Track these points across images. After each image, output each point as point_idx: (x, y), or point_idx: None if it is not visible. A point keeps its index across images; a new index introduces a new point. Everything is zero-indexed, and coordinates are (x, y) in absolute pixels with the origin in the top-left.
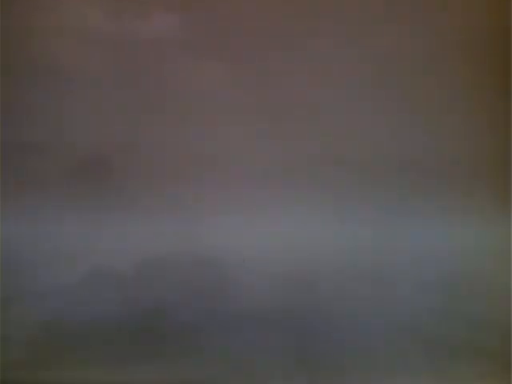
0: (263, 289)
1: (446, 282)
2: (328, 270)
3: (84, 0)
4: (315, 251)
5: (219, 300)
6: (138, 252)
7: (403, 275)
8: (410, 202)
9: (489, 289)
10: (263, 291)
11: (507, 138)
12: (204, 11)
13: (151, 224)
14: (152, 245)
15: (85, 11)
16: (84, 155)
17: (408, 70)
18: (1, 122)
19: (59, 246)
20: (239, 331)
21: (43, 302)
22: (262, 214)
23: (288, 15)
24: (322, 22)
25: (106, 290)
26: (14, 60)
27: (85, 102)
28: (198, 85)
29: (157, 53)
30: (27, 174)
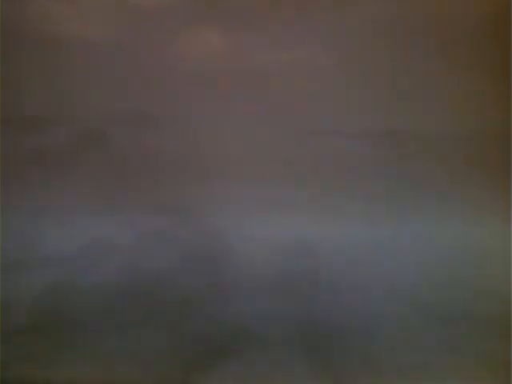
0: (263, 256)
1: (445, 252)
2: (328, 236)
3: None
4: (315, 217)
5: (219, 267)
6: (138, 224)
7: (404, 245)
8: (409, 174)
9: (489, 258)
10: (263, 258)
11: (508, 114)
12: None
13: (152, 197)
14: (152, 217)
15: None
16: (84, 130)
17: (407, 45)
18: (0, 97)
19: (59, 219)
20: (239, 297)
21: (44, 270)
22: (262, 184)
23: None
24: None
25: (106, 259)
26: (13, 33)
27: (84, 75)
28: (198, 55)
29: (158, 23)
30: (28, 149)
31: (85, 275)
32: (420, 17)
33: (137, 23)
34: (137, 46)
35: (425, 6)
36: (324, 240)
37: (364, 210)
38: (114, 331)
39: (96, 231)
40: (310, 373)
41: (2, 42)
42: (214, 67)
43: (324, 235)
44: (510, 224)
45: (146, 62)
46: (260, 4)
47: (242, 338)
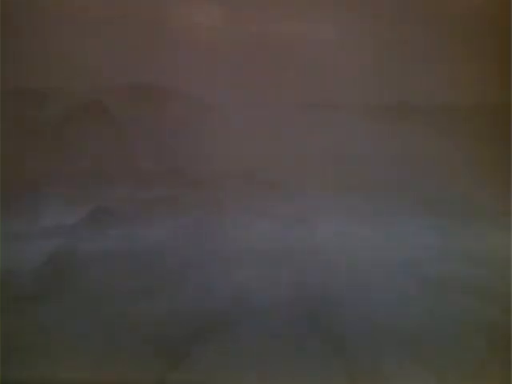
0: (263, 228)
1: (445, 222)
2: (328, 208)
3: None
4: (314, 190)
5: (219, 239)
6: (138, 194)
7: (403, 216)
8: (410, 145)
9: (490, 228)
10: (263, 231)
11: (508, 87)
12: None
13: (152, 166)
14: (152, 188)
15: None
16: (83, 101)
17: (408, 20)
18: (0, 69)
19: (60, 189)
20: (239, 268)
21: (45, 239)
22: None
23: None
24: None
25: (107, 228)
26: (14, 7)
27: (85, 47)
28: (198, 28)
29: None
30: (28, 120)
31: (86, 244)
32: None
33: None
34: (138, 20)
35: None
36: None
37: (365, 184)
38: (114, 299)
39: (96, 202)
40: (310, 339)
41: (3, 18)
42: (214, 40)
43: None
44: (510, 185)
45: (146, 36)
46: None
47: (242, 308)
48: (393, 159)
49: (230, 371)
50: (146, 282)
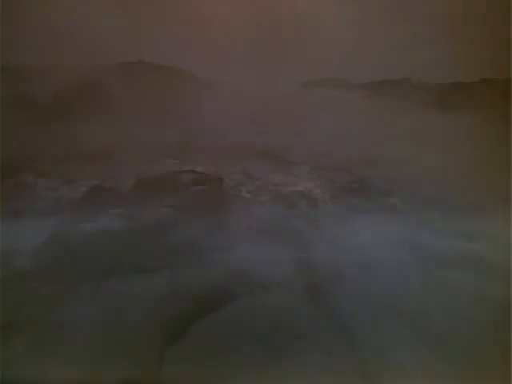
0: (263, 205)
1: (445, 194)
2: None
3: None
4: (314, 167)
5: (220, 215)
6: (136, 173)
7: (402, 188)
8: (409, 123)
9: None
10: (263, 208)
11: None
12: None
13: (149, 144)
14: (151, 163)
15: None
16: (82, 78)
17: None
18: (0, 46)
19: (60, 167)
20: (239, 244)
21: (45, 218)
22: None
23: None
24: None
25: (107, 206)
26: None
27: (85, 24)
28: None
29: None
30: (28, 97)
31: (86, 222)
32: None
33: None
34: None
35: None
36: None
37: (366, 159)
38: (115, 276)
39: (96, 180)
40: (310, 313)
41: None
42: (210, 17)
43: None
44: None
45: (145, 14)
46: None
47: (243, 283)
48: (392, 133)
49: (229, 345)
50: (147, 259)
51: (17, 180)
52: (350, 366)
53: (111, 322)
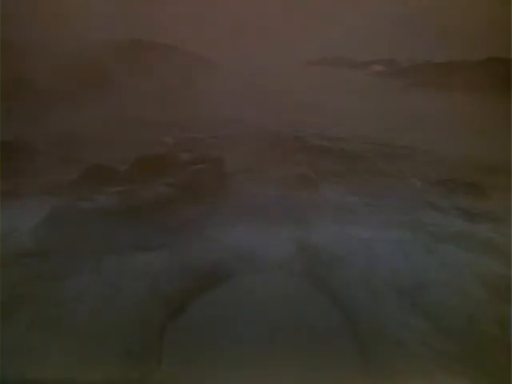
0: (262, 187)
1: (447, 173)
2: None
3: None
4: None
5: (219, 194)
6: (134, 152)
7: (403, 168)
8: (411, 102)
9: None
10: (262, 190)
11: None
12: None
13: (148, 121)
14: (151, 143)
15: None
16: (82, 55)
17: None
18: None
19: (58, 147)
20: (239, 223)
21: (45, 197)
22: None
23: None
24: None
25: (105, 185)
26: None
27: (81, 8)
28: None
29: None
30: (27, 73)
31: (84, 201)
32: None
33: None
34: None
35: None
36: None
37: (366, 139)
38: (115, 254)
39: (94, 159)
40: (310, 293)
41: None
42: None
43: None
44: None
45: None
46: None
47: (242, 262)
48: (394, 112)
49: (229, 321)
50: (146, 237)
51: (17, 160)
52: (350, 343)
53: (111, 297)
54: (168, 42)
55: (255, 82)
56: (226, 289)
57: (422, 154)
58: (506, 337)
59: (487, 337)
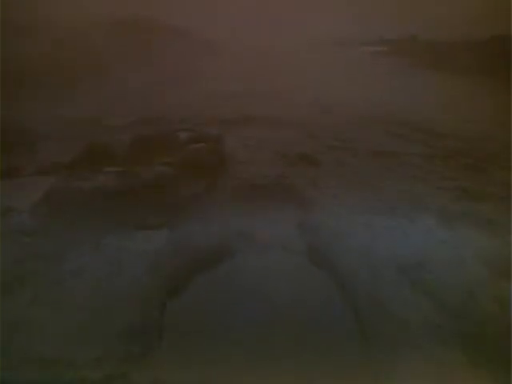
0: (262, 164)
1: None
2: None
3: None
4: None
5: (219, 174)
6: (130, 131)
7: (406, 147)
8: (421, 82)
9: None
10: (262, 166)
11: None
12: None
13: (142, 95)
14: (150, 122)
15: None
16: (75, 35)
17: None
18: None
19: (56, 125)
20: (239, 202)
21: (43, 177)
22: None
23: None
24: None
25: (104, 165)
26: None
27: None
28: None
29: None
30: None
31: (82, 181)
32: None
33: None
34: None
35: None
36: None
37: (375, 116)
38: (114, 233)
39: (92, 138)
40: (310, 271)
41: None
42: None
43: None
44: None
45: None
46: None
47: (242, 240)
48: (402, 91)
49: (229, 298)
50: (146, 216)
51: (15, 140)
52: (349, 320)
53: (112, 275)
54: (166, 21)
55: (257, 62)
56: (227, 267)
57: (423, 133)
58: (505, 314)
59: (487, 314)
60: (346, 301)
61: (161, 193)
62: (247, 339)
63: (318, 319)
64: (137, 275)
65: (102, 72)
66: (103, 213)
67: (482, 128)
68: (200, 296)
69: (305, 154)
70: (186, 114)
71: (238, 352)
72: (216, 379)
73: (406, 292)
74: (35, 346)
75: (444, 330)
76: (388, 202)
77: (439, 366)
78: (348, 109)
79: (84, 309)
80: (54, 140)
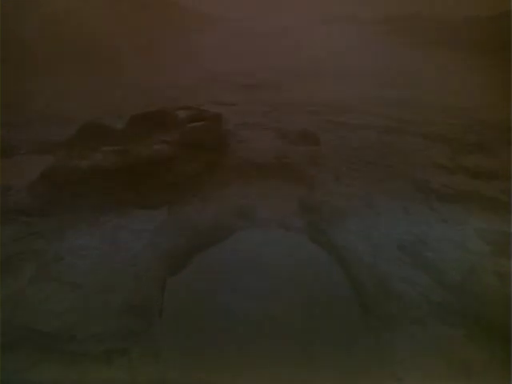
0: (262, 142)
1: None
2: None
3: None
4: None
5: (219, 153)
6: (131, 109)
7: (406, 127)
8: (422, 58)
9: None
10: (262, 144)
11: None
12: None
13: (137, 81)
14: (140, 103)
15: None
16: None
17: None
18: None
19: (55, 106)
20: (239, 179)
21: (41, 156)
22: None
23: None
24: None
25: (102, 144)
26: None
27: None
28: None
29: None
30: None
31: (80, 159)
32: None
33: None
34: None
35: None
36: None
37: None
38: (113, 211)
39: (90, 116)
40: (310, 248)
41: None
42: None
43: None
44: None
45: None
46: None
47: (242, 219)
48: (405, 68)
49: (229, 276)
50: (145, 194)
51: (13, 119)
52: (350, 295)
53: (111, 252)
54: None
55: (256, 41)
56: (226, 245)
57: (425, 111)
58: (505, 290)
59: (487, 290)
60: (346, 277)
61: (160, 171)
62: (247, 314)
63: (318, 295)
64: (136, 253)
65: (102, 48)
66: (102, 191)
67: (487, 104)
68: (200, 273)
69: (305, 131)
70: (184, 92)
71: (237, 327)
72: (215, 353)
73: (407, 268)
74: (36, 321)
75: (444, 306)
76: (389, 180)
77: (438, 339)
78: (349, 85)
79: (84, 286)
80: (52, 117)
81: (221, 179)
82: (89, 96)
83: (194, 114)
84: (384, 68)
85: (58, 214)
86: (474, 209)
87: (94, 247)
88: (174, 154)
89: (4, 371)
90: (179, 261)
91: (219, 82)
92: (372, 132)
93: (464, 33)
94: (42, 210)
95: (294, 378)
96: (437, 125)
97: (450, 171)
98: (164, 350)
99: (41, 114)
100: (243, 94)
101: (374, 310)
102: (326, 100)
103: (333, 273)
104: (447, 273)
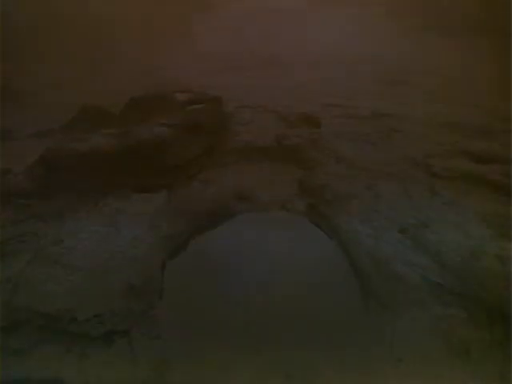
0: (262, 125)
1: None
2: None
3: None
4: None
5: (219, 136)
6: (129, 92)
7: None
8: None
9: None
10: (262, 127)
11: None
12: None
13: (133, 69)
14: (139, 85)
15: None
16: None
17: None
18: None
19: (52, 89)
20: (239, 162)
21: (37, 139)
22: None
23: None
24: None
25: (100, 126)
26: None
27: None
28: None
29: None
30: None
31: (78, 142)
32: None
33: None
34: None
35: None
36: None
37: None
38: (113, 194)
39: (84, 100)
40: (311, 230)
41: None
42: None
43: None
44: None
45: None
46: None
47: (243, 202)
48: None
49: (230, 258)
50: (145, 177)
51: (9, 102)
52: (350, 277)
53: (111, 235)
54: None
55: (254, 20)
56: (227, 228)
57: (427, 96)
58: (506, 272)
59: (488, 272)
60: (346, 259)
61: (160, 154)
62: (247, 295)
63: (318, 278)
64: (136, 236)
65: (100, 30)
66: (101, 174)
67: (490, 90)
68: (200, 255)
69: (305, 113)
70: (183, 73)
71: (237, 308)
72: (216, 337)
73: (408, 251)
74: (36, 303)
75: (445, 287)
76: (390, 163)
77: (439, 320)
78: (346, 67)
79: (83, 268)
80: (47, 101)
81: (221, 162)
82: (88, 81)
83: (193, 97)
84: (386, 53)
85: (57, 197)
86: (476, 192)
87: (93, 230)
88: (174, 136)
89: (4, 352)
90: (179, 243)
91: (218, 63)
92: (374, 116)
93: (469, 17)
94: (42, 192)
95: (294, 360)
96: (439, 110)
97: (450, 153)
98: (165, 331)
99: (41, 99)
100: (244, 76)
101: (374, 292)
102: (328, 83)
103: (333, 255)
104: (448, 255)
